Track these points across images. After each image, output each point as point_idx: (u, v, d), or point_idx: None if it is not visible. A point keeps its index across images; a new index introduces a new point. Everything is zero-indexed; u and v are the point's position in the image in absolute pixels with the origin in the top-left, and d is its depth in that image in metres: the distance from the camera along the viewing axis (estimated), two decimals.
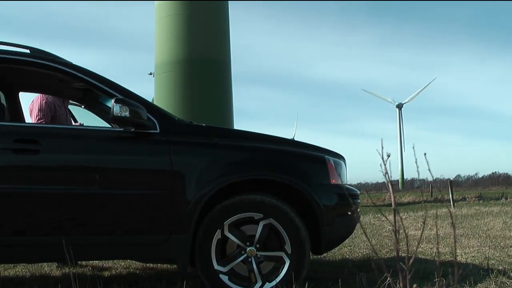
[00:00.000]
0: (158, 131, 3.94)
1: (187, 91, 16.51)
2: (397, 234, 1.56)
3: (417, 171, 1.79)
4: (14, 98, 4.97)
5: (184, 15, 16.70)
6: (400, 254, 1.66)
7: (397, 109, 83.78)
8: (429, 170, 1.90)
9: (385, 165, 1.59)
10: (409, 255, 1.61)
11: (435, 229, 9.01)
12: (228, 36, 17.78)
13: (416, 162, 1.92)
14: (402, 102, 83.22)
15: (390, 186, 1.59)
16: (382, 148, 1.58)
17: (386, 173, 1.58)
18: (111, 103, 3.85)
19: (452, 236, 7.85)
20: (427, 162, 1.87)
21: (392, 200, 1.59)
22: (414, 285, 1.83)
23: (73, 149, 3.90)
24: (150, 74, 34.66)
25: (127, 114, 3.75)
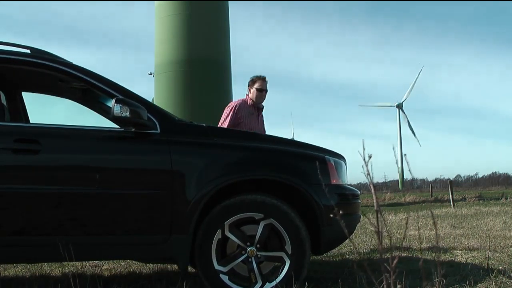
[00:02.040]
0: (158, 131, 3.94)
1: (187, 91, 16.53)
2: (380, 235, 1.56)
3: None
4: (15, 98, 4.97)
5: (184, 15, 16.73)
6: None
7: (397, 109, 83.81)
8: (409, 170, 1.91)
9: (366, 166, 1.60)
10: (393, 255, 1.62)
11: (434, 229, 9.00)
12: (228, 36, 17.80)
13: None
14: (401, 101, 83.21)
15: (372, 187, 1.59)
16: (364, 149, 1.59)
17: (368, 174, 1.59)
18: (111, 103, 3.85)
19: (452, 236, 7.85)
20: (407, 162, 1.89)
21: (375, 201, 1.59)
22: (398, 286, 1.83)
23: (73, 149, 3.90)
24: (150, 74, 34.68)
25: (127, 114, 3.76)
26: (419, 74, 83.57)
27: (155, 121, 3.96)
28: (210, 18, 17.00)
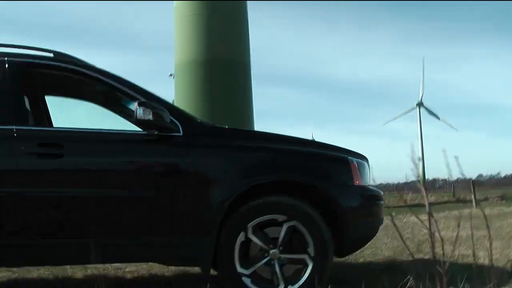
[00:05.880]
0: (181, 133, 3.95)
1: (207, 91, 16.57)
2: (432, 237, 1.55)
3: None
4: (38, 101, 5.00)
5: (203, 15, 16.77)
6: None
7: (417, 108, 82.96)
8: (449, 174, 1.87)
9: (417, 169, 1.58)
10: (444, 259, 1.60)
11: (456, 231, 8.90)
12: (247, 37, 17.81)
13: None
14: (420, 100, 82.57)
15: (424, 190, 1.58)
16: (414, 152, 1.58)
17: (419, 177, 1.57)
18: (134, 106, 3.88)
19: (474, 237, 7.75)
20: (447, 162, 1.84)
21: (427, 204, 1.58)
22: None
23: (97, 152, 3.94)
24: (170, 75, 34.77)
25: (150, 117, 3.77)
26: (423, 66, 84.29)
27: (178, 123, 3.97)
28: (229, 18, 17.03)
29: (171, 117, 3.93)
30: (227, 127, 4.26)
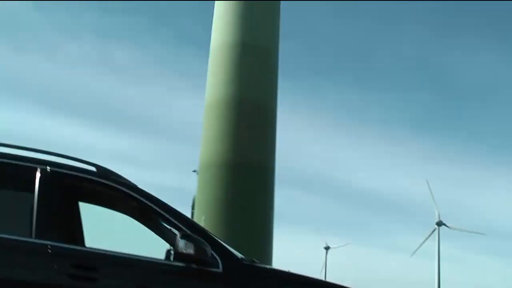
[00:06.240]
0: (220, 270, 3.77)
1: (230, 193, 16.49)
2: None
3: None
4: (74, 213, 4.85)
5: (232, 118, 16.96)
6: None
7: (437, 227, 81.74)
8: None
9: None
10: None
11: None
12: (274, 142, 17.89)
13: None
14: (439, 219, 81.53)
15: None
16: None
17: None
18: (173, 232, 3.76)
19: None
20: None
21: None
22: None
23: (132, 280, 3.78)
24: (194, 171, 34.85)
25: (191, 251, 3.63)
26: (429, 187, 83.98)
27: (218, 259, 3.80)
28: (258, 124, 17.19)
29: (212, 251, 3.77)
30: (267, 267, 4.08)
